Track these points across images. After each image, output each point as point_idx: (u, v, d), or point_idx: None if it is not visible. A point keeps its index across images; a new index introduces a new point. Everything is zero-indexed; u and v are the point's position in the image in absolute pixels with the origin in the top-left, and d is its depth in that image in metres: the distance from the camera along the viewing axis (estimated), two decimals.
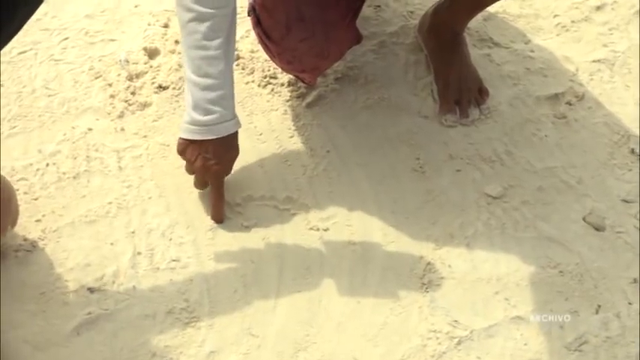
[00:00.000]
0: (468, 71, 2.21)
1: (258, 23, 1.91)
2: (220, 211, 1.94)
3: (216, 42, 1.80)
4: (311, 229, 1.96)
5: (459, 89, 2.18)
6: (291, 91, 2.17)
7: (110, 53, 2.21)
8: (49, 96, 2.11)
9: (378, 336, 1.83)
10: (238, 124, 1.89)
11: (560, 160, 2.12)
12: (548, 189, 2.07)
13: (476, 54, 2.28)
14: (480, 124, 2.17)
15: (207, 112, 1.82)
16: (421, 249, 1.95)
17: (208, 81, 1.81)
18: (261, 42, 1.95)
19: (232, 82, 1.86)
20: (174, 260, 1.88)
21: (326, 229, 1.96)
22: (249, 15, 1.95)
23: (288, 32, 1.88)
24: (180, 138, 1.89)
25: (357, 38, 2.01)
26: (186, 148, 1.89)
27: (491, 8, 2.38)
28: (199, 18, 1.78)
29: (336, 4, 1.92)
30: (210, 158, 1.86)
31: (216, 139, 1.85)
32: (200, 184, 1.94)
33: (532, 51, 2.32)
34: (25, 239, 1.87)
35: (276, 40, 1.90)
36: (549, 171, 2.10)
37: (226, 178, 1.96)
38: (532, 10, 2.41)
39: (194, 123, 1.84)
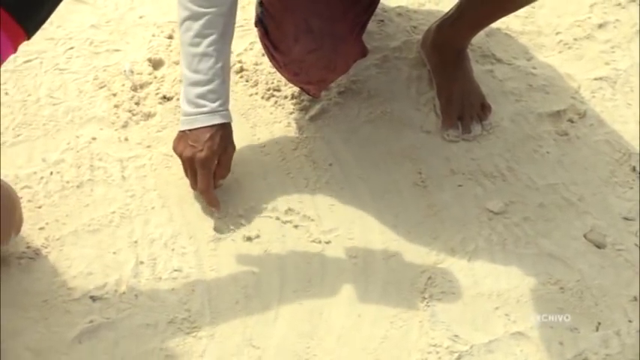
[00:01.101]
0: (471, 87, 2.23)
1: (265, 34, 1.94)
2: (211, 198, 1.97)
3: (208, 40, 1.86)
4: (313, 241, 1.98)
5: (462, 105, 2.20)
6: (295, 104, 2.19)
7: (115, 63, 2.23)
8: (54, 105, 2.13)
9: (378, 349, 1.84)
10: (228, 118, 1.93)
11: (562, 177, 2.14)
12: (549, 205, 2.09)
13: (478, 70, 2.30)
14: (482, 140, 2.19)
15: (195, 105, 1.89)
16: (422, 263, 1.97)
17: (198, 76, 1.88)
18: (268, 53, 1.97)
19: (225, 79, 1.90)
20: (176, 270, 1.90)
21: (328, 242, 1.98)
22: (256, 26, 1.97)
23: (296, 43, 1.90)
24: (178, 132, 1.96)
25: (363, 52, 2.03)
26: (179, 141, 1.94)
27: (494, 24, 2.40)
28: (193, 17, 1.86)
29: (344, 17, 1.94)
30: (196, 146, 1.90)
31: (203, 127, 1.90)
32: (190, 176, 1.96)
33: (534, 68, 2.34)
34: (29, 247, 1.89)
35: (284, 51, 1.92)
36: (551, 188, 2.12)
37: (229, 189, 2.00)
38: (535, 27, 2.44)
39: (184, 114, 1.92)
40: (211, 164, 1.93)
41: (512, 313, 1.92)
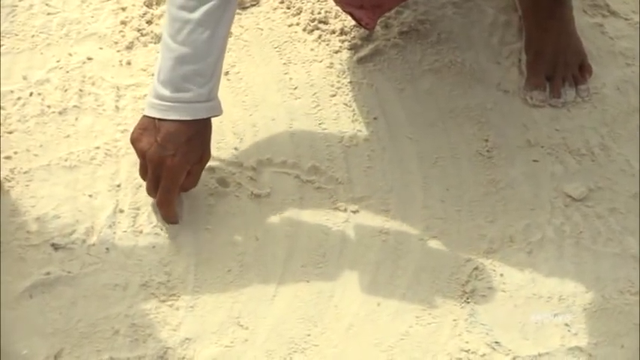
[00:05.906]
0: (569, 42, 2.19)
1: None
2: (170, 214, 1.90)
3: (208, 5, 1.76)
4: (337, 208, 1.97)
5: (554, 62, 2.17)
6: (343, 41, 2.19)
7: None
8: (48, 14, 2.18)
9: (395, 347, 1.82)
10: (215, 110, 1.86)
11: None
12: None
13: (584, 22, 2.27)
14: (574, 108, 2.15)
15: (175, 89, 1.80)
16: (470, 250, 1.94)
17: (185, 50, 1.78)
18: None
19: (218, 57, 1.82)
20: (161, 224, 1.91)
21: (355, 211, 1.97)
22: None
23: None
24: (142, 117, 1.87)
25: None
26: (143, 133, 1.85)
27: None
28: None
29: None
30: (167, 147, 1.81)
31: (181, 122, 1.81)
32: (150, 180, 1.87)
33: None
34: None
35: None
36: None
37: (244, 135, 2.01)
38: None
39: (156, 96, 1.82)
40: (182, 175, 1.84)
41: (574, 323, 1.88)
